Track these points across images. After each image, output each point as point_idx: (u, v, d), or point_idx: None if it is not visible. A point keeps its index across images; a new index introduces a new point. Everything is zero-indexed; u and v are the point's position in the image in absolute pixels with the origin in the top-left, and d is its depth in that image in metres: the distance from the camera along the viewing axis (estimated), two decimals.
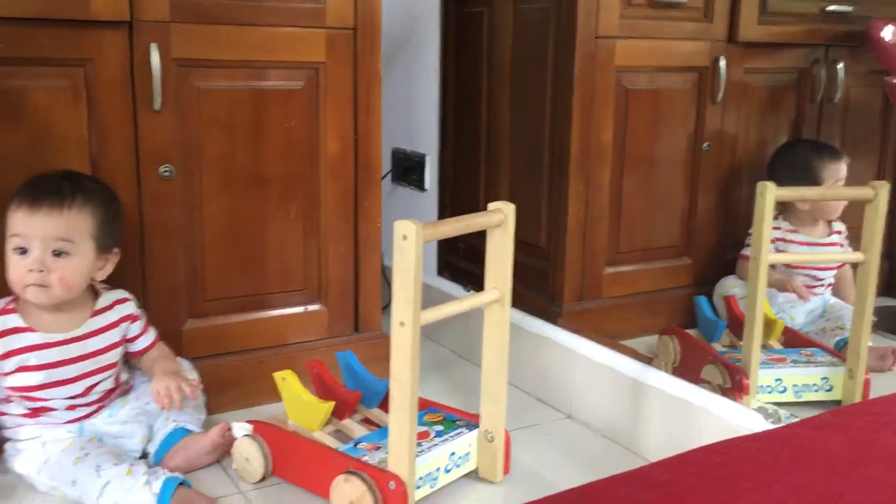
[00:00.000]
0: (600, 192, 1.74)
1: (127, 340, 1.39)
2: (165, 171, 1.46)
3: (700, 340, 1.72)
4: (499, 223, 1.27)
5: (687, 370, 1.62)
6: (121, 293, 1.39)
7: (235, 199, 1.54)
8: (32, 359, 1.28)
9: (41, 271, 1.24)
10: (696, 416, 1.37)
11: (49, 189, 1.26)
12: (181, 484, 1.23)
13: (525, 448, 1.46)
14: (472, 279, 1.90)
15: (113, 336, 1.36)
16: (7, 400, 1.31)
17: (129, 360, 1.43)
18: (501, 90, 1.86)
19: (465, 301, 1.26)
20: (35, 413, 1.31)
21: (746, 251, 1.79)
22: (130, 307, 1.39)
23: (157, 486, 1.21)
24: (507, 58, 1.83)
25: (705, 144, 1.86)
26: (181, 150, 1.47)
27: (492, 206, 1.28)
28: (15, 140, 1.34)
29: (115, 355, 1.36)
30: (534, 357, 1.69)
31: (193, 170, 1.49)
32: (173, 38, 1.42)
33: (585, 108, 1.67)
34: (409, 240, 1.13)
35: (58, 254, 1.25)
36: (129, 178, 1.43)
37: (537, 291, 1.77)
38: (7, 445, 1.32)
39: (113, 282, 1.44)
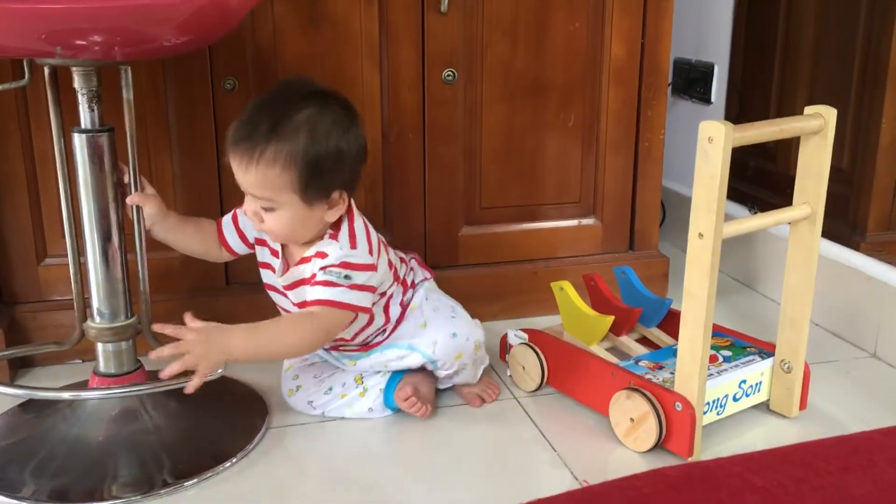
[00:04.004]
0: None
1: None
2: (448, 75, 1.44)
3: None
4: (817, 129, 1.12)
5: None
6: (325, 246, 1.13)
7: (514, 106, 1.50)
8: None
9: (261, 221, 1.11)
10: None
11: (245, 130, 1.07)
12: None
13: (821, 385, 1.31)
14: (758, 205, 1.74)
15: (303, 293, 1.16)
16: None
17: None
18: None
19: (771, 216, 1.13)
20: None
21: None
22: (316, 265, 1.13)
23: (380, 383, 1.23)
24: None
25: None
26: (464, 54, 1.45)
27: (809, 109, 1.13)
28: (318, 42, 1.38)
29: None
30: (833, 287, 1.52)
31: (475, 74, 1.46)
32: None
33: None
34: (716, 142, 1.02)
35: (265, 208, 1.10)
36: (414, 81, 1.43)
37: (834, 218, 1.58)
38: None
39: (396, 185, 1.47)
